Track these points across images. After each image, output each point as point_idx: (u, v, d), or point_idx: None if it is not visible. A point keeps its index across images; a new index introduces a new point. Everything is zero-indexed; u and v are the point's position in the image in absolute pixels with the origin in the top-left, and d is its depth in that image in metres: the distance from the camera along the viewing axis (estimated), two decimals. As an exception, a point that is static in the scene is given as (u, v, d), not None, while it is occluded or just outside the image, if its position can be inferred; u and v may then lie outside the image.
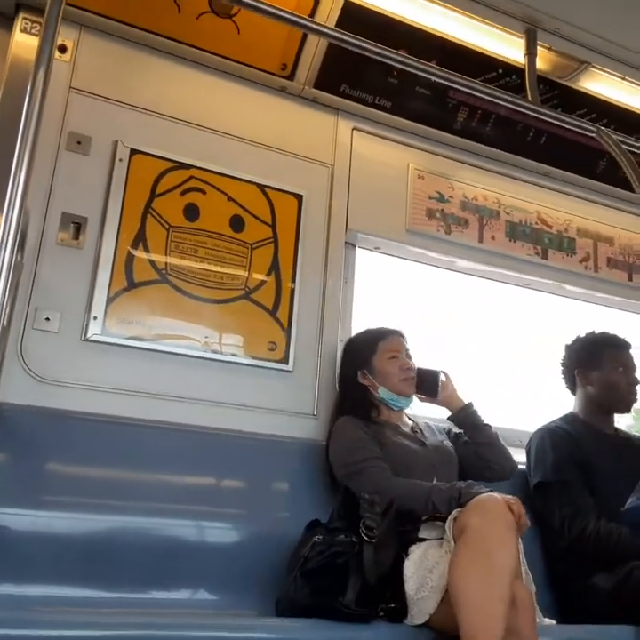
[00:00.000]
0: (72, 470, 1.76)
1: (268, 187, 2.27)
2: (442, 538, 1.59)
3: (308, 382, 2.16)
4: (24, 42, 2.00)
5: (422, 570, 1.53)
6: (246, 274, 2.16)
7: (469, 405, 2.12)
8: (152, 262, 2.03)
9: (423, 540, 1.62)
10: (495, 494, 1.58)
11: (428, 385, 2.09)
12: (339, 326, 2.28)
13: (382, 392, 2.02)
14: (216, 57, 2.24)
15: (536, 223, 2.74)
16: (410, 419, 2.13)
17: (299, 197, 2.31)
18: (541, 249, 2.72)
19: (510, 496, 1.57)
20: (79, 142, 2.01)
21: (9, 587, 1.51)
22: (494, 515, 1.48)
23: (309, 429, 2.10)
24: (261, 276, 2.18)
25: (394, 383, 2.03)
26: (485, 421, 2.11)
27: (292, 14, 1.97)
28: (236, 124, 2.27)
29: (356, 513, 1.57)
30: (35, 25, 2.00)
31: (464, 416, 2.10)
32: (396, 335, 2.11)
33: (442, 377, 2.14)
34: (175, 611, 1.63)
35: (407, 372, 2.05)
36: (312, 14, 2.15)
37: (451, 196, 2.59)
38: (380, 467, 1.84)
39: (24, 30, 2.01)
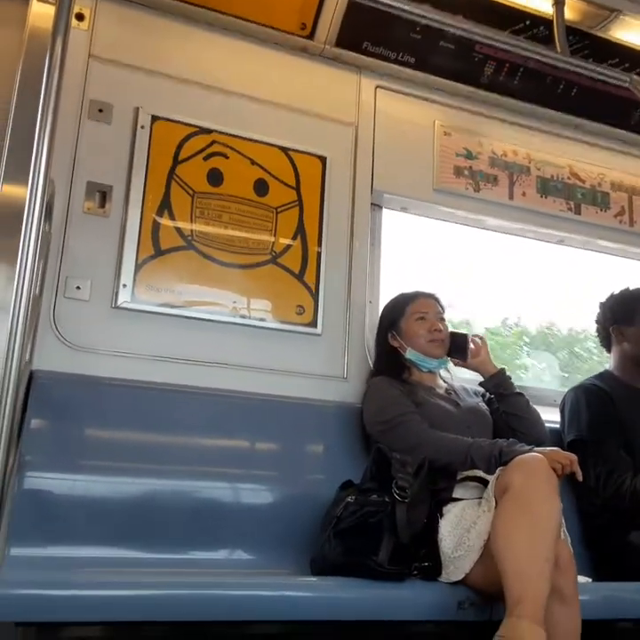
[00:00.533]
0: (107, 435, 1.80)
1: (292, 149, 2.24)
2: (479, 498, 1.59)
3: (337, 345, 2.16)
4: (41, 11, 1.97)
5: (459, 529, 1.53)
6: (272, 238, 2.14)
7: (501, 372, 2.09)
8: (178, 229, 2.03)
9: (457, 499, 1.62)
10: (537, 454, 1.56)
11: (457, 348, 2.07)
12: (366, 288, 2.26)
13: (410, 353, 2.01)
14: (234, 19, 2.20)
15: (568, 178, 2.66)
16: (444, 381, 2.11)
17: (322, 159, 2.28)
18: (574, 204, 2.64)
19: (554, 451, 1.59)
20: (100, 110, 2.00)
21: (51, 549, 1.55)
22: (538, 474, 1.46)
23: (340, 392, 2.10)
24: (287, 241, 2.16)
25: (421, 344, 2.01)
26: (517, 389, 2.07)
27: (310, -31, 1.93)
28: (256, 87, 2.24)
29: (388, 473, 1.57)
30: (51, -7, 1.98)
31: (495, 383, 2.07)
32: (427, 297, 2.09)
33: (475, 340, 2.11)
34: (213, 570, 1.66)
35: (435, 333, 2.02)
36: (331, -31, 2.09)
37: (479, 153, 2.52)
38: (415, 420, 1.84)
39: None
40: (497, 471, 1.56)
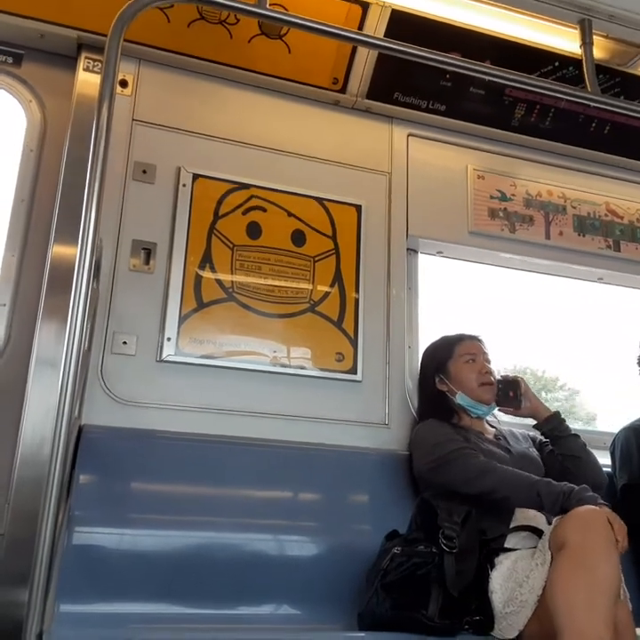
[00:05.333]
0: (154, 488, 1.82)
1: (327, 199, 2.29)
2: (531, 547, 1.54)
3: (378, 391, 2.15)
4: (87, 80, 2.10)
5: (511, 582, 1.49)
6: (310, 287, 2.18)
7: (556, 414, 2.04)
8: (219, 281, 2.08)
9: (509, 550, 1.57)
10: (595, 508, 1.51)
11: (510, 395, 2.02)
12: (405, 334, 2.26)
13: (460, 398, 1.98)
14: (269, 77, 2.29)
15: (605, 215, 2.64)
16: (492, 426, 2.07)
17: (357, 208, 2.32)
18: (613, 241, 2.62)
19: (609, 512, 1.51)
20: (144, 171, 2.09)
21: (100, 605, 1.56)
22: (596, 530, 1.42)
23: (382, 439, 2.09)
24: (325, 288, 2.19)
25: (472, 388, 1.98)
26: (573, 432, 2.02)
27: (341, 29, 1.99)
28: (291, 141, 2.31)
29: (435, 522, 1.54)
30: (96, 63, 2.10)
31: (551, 426, 2.02)
32: (473, 339, 2.07)
33: (523, 385, 2.06)
34: (260, 626, 1.65)
35: (485, 376, 1.99)
36: (360, 27, 2.17)
37: (513, 194, 2.53)
38: (474, 453, 1.79)
39: (87, 69, 2.11)
40: (554, 521, 1.52)
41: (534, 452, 2.00)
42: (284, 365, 2.07)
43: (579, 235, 2.58)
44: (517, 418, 2.14)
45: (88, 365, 1.81)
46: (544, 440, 2.06)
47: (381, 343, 2.21)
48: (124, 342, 1.93)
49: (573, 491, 1.62)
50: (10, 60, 2.11)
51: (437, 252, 2.48)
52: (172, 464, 1.82)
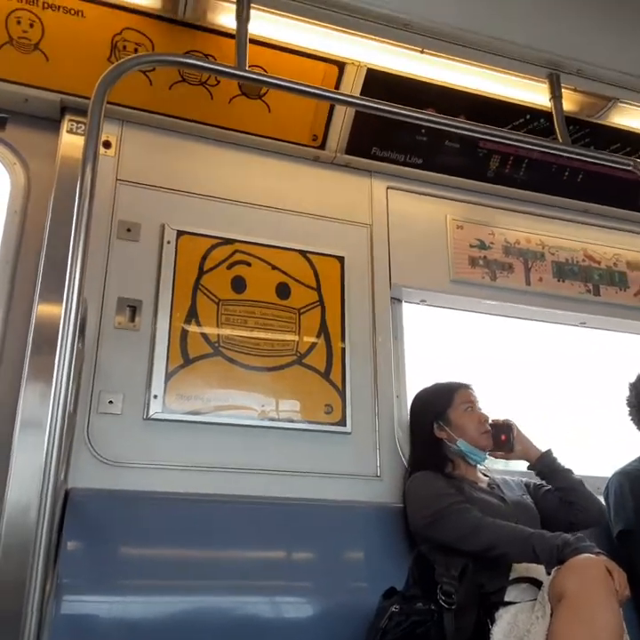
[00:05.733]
0: (143, 552, 1.76)
1: (310, 252, 2.31)
2: (532, 600, 1.51)
3: (368, 443, 2.13)
4: (71, 141, 2.14)
5: (512, 637, 1.46)
6: (296, 339, 2.18)
7: (548, 452, 2.05)
8: (205, 337, 2.07)
9: (509, 603, 1.54)
10: (593, 556, 1.49)
11: (502, 439, 2.03)
12: (393, 383, 2.26)
13: (461, 445, 1.96)
14: (250, 136, 2.34)
15: (583, 260, 2.70)
16: (485, 475, 2.06)
17: (340, 259, 2.35)
18: (592, 285, 2.67)
19: (608, 560, 1.49)
20: (129, 229, 2.11)
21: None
22: (595, 580, 1.40)
23: (374, 492, 2.05)
24: (311, 340, 2.20)
25: (473, 436, 1.98)
26: (566, 466, 2.04)
27: (318, 89, 2.06)
28: (273, 196, 2.35)
29: (432, 577, 1.51)
30: (80, 125, 2.14)
31: (544, 464, 2.02)
32: (469, 388, 2.08)
33: (515, 429, 2.07)
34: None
35: (485, 424, 2.01)
36: (337, 86, 2.24)
37: (492, 243, 2.59)
38: (467, 508, 1.77)
39: (70, 131, 2.15)
40: (552, 572, 1.49)
41: (529, 499, 1.99)
42: (272, 419, 2.05)
43: (558, 280, 2.63)
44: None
45: (74, 427, 1.77)
46: (538, 483, 2.05)
47: (369, 393, 2.20)
48: (110, 401, 1.90)
49: (568, 541, 1.60)
50: (-6, 124, 2.14)
51: (421, 301, 2.50)
52: (162, 526, 1.77)
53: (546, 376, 2.81)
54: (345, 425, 2.11)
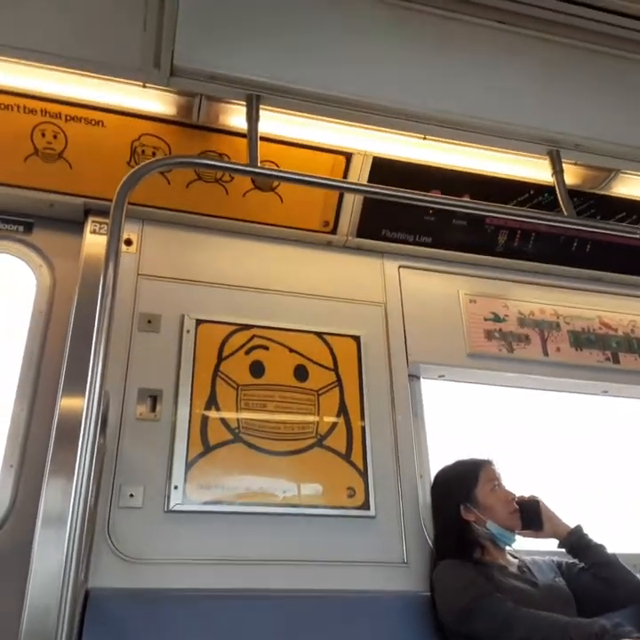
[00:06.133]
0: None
1: (326, 333, 2.35)
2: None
3: (393, 527, 2.08)
4: (94, 241, 2.24)
5: None
6: (316, 420, 2.18)
7: (578, 528, 1.97)
8: (225, 422, 2.09)
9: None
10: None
11: (530, 517, 1.95)
12: (415, 462, 2.23)
13: (491, 526, 1.90)
14: (264, 225, 2.44)
15: (600, 328, 2.70)
16: (513, 556, 1.98)
17: (356, 339, 2.38)
18: (611, 353, 2.66)
19: None
20: (149, 321, 2.17)
21: None
22: None
23: (402, 580, 1.98)
24: (331, 421, 2.20)
25: (502, 517, 1.91)
26: (598, 542, 1.95)
27: (327, 179, 2.17)
28: (288, 281, 2.42)
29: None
30: (102, 225, 2.25)
31: (575, 540, 1.94)
32: (492, 464, 2.03)
33: (542, 505, 2.00)
34: None
35: (513, 503, 1.94)
36: (345, 175, 2.34)
37: (506, 315, 2.60)
38: (499, 599, 1.69)
39: (93, 231, 2.26)
40: None
41: (561, 581, 1.90)
42: (294, 505, 2.03)
43: (576, 349, 2.62)
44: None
45: (95, 522, 1.77)
46: (570, 561, 1.97)
47: (392, 474, 2.17)
48: (131, 495, 1.90)
49: (605, 628, 1.53)
50: (21, 228, 2.26)
51: (439, 377, 2.50)
52: (185, 626, 1.72)
53: (571, 447, 2.75)
54: (368, 508, 2.07)
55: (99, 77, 1.92)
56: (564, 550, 2.00)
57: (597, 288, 2.79)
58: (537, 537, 2.00)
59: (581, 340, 2.65)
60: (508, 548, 1.98)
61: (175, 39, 1.78)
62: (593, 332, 2.68)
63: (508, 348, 2.53)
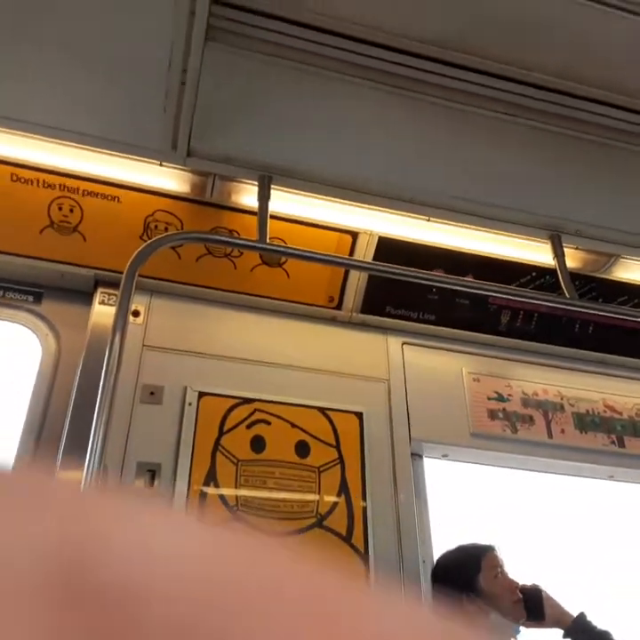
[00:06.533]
0: None
1: (329, 409, 2.34)
2: None
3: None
4: (102, 312, 2.27)
5: None
6: (316, 499, 2.14)
7: (582, 615, 1.89)
8: (223, 499, 2.05)
9: None
10: None
11: (533, 607, 1.87)
12: (418, 547, 2.17)
13: (496, 619, 1.83)
14: (270, 300, 2.48)
15: (604, 411, 2.69)
16: None
17: (359, 415, 2.36)
18: (616, 437, 2.63)
19: None
20: (152, 393, 2.17)
21: None
22: None
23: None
24: (331, 499, 2.15)
25: (506, 607, 1.84)
26: (604, 628, 1.88)
27: (334, 257, 2.22)
28: (292, 355, 2.43)
29: None
30: (111, 297, 2.28)
31: (579, 628, 1.86)
32: (495, 550, 1.97)
33: (545, 593, 1.93)
34: None
35: (517, 592, 1.87)
36: (351, 252, 2.40)
37: (510, 395, 2.60)
38: None
39: (102, 302, 2.29)
40: None
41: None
42: (292, 588, 1.95)
43: (581, 432, 2.59)
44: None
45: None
46: None
47: (394, 558, 2.11)
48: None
49: None
50: (31, 298, 2.29)
51: (443, 456, 2.47)
52: None
53: (577, 531, 2.68)
54: (369, 594, 2.00)
55: (118, 156, 2.00)
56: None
57: (601, 370, 2.79)
58: (540, 627, 1.93)
59: (586, 422, 2.63)
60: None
61: (193, 123, 1.87)
62: (597, 415, 2.66)
63: (512, 429, 2.51)
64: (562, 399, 2.66)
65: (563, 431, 2.57)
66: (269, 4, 1.74)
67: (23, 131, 1.90)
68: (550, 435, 2.54)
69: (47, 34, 1.67)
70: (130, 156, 2.00)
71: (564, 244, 2.31)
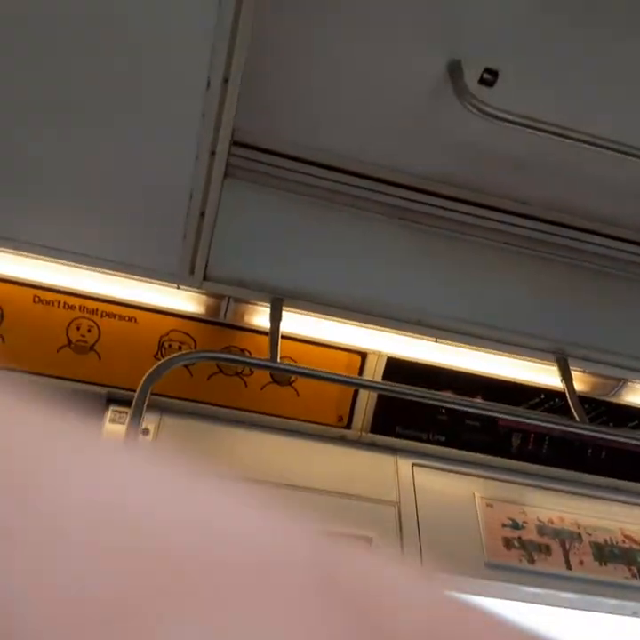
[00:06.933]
0: None
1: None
2: None
3: None
4: (112, 429, 2.28)
5: None
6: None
7: None
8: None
9: None
10: None
11: None
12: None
13: None
14: (279, 418, 2.48)
15: (623, 542, 2.57)
16: None
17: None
18: (637, 569, 2.50)
19: None
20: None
21: None
22: None
23: None
24: None
25: None
26: None
27: (343, 376, 2.25)
28: (301, 475, 2.39)
29: None
30: (122, 415, 2.29)
31: None
32: None
33: None
34: None
35: None
36: (360, 372, 2.43)
37: (525, 522, 2.51)
38: None
39: (113, 420, 2.30)
40: None
41: None
42: None
43: (600, 564, 2.47)
44: None
45: None
46: None
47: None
48: None
49: None
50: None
51: (457, 589, 2.35)
52: None
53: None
54: None
55: (137, 279, 2.09)
56: None
57: (616, 497, 2.70)
58: None
59: (605, 553, 2.51)
60: None
61: (210, 249, 1.97)
62: (616, 545, 2.55)
63: (529, 559, 2.40)
64: (579, 528, 2.56)
65: (581, 562, 2.45)
66: (286, 146, 1.89)
67: (47, 256, 2.00)
68: (569, 566, 2.42)
69: (73, 163, 1.79)
70: (149, 280, 2.09)
71: (571, 368, 2.33)
